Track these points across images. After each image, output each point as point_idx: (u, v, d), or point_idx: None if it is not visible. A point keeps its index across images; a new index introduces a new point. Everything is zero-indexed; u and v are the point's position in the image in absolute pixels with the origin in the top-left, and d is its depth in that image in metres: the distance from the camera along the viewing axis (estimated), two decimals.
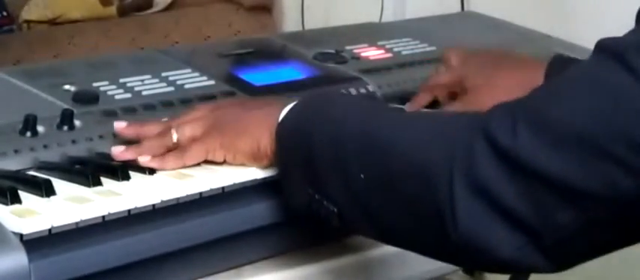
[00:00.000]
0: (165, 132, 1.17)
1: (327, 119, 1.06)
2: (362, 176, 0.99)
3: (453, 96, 1.39)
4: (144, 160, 1.14)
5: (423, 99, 1.40)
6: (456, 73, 1.40)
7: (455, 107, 1.36)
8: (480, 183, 0.90)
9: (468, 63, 1.41)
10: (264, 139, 1.11)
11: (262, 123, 1.12)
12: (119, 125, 1.20)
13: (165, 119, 1.23)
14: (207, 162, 1.15)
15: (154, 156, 1.14)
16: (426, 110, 1.07)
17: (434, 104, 1.40)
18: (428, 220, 0.94)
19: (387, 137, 1.00)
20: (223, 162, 1.15)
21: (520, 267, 0.94)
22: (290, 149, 1.08)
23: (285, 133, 1.09)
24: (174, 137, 1.16)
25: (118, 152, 1.16)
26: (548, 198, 0.88)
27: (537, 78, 1.30)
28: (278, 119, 1.10)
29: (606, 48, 0.89)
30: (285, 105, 1.10)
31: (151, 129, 1.19)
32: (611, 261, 1.00)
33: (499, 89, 1.33)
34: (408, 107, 1.37)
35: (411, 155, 0.96)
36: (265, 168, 1.13)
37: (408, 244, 1.02)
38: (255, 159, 1.13)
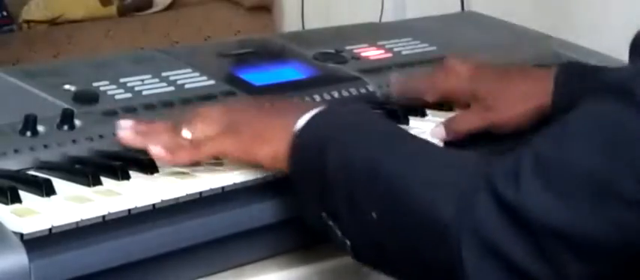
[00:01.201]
0: (176, 129, 1.14)
1: (340, 139, 1.04)
2: (374, 215, 0.97)
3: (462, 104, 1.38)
4: (155, 150, 1.11)
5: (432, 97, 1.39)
6: (466, 86, 1.37)
7: (473, 115, 1.34)
8: (487, 242, 0.88)
9: (478, 75, 1.38)
10: (282, 146, 1.08)
11: (282, 130, 1.08)
12: (125, 124, 1.16)
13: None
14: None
15: (165, 149, 1.11)
16: (435, 146, 1.05)
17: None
18: (438, 274, 0.93)
19: (396, 177, 0.97)
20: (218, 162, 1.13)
21: None
22: (305, 164, 1.06)
23: (301, 146, 1.06)
24: (186, 134, 1.14)
25: (126, 132, 1.13)
26: (557, 250, 0.86)
27: (548, 88, 1.29)
28: (296, 127, 1.07)
29: (609, 85, 0.86)
30: (303, 113, 1.08)
31: (161, 125, 1.16)
32: None
33: (516, 98, 1.32)
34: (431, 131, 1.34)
35: (419, 205, 0.94)
36: (283, 174, 1.11)
37: None
38: (274, 164, 1.10)
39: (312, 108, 1.09)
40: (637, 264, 0.85)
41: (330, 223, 1.02)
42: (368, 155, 1.01)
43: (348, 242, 1.01)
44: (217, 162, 1.15)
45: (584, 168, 0.84)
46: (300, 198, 1.07)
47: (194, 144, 1.13)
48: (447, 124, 1.32)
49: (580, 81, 1.28)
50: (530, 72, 1.37)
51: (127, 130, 1.15)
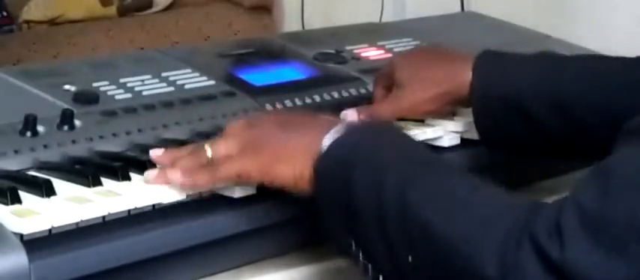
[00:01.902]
0: (199, 150, 1.10)
1: (371, 161, 0.98)
2: (410, 259, 0.92)
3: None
4: (174, 176, 1.06)
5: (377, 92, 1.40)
6: (388, 67, 1.39)
7: (386, 103, 1.34)
8: None
9: (400, 57, 1.40)
10: (306, 167, 1.03)
11: (303, 148, 1.03)
12: (155, 153, 1.13)
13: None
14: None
15: (184, 172, 1.07)
16: (473, 179, 0.97)
17: None
18: None
19: (431, 218, 0.92)
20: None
21: None
22: (330, 188, 1.00)
23: (325, 168, 1.01)
24: (209, 152, 1.09)
25: (151, 177, 1.09)
26: None
27: (465, 73, 1.29)
28: (320, 146, 1.02)
29: None
30: (327, 131, 1.02)
31: (185, 149, 1.13)
32: None
33: (424, 82, 1.33)
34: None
35: (459, 254, 0.89)
36: (308, 194, 1.04)
37: None
38: (296, 186, 1.04)
39: (335, 125, 1.04)
40: None
41: (361, 255, 0.97)
42: (397, 187, 0.95)
43: (378, 275, 0.97)
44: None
45: (634, 219, 0.80)
46: (327, 223, 1.02)
47: (214, 162, 1.08)
48: (361, 113, 1.32)
49: (500, 67, 1.29)
50: (446, 57, 1.36)
51: (150, 174, 1.09)
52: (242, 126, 1.11)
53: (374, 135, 1.04)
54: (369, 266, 0.97)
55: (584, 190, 0.86)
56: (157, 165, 1.12)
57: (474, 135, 1.33)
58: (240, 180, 1.08)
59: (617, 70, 1.25)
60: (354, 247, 0.98)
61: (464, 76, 1.30)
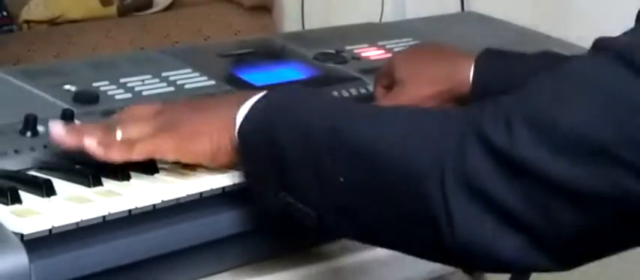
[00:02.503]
0: (109, 129, 1.10)
1: (293, 114, 1.01)
2: (341, 179, 0.95)
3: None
4: (90, 143, 1.07)
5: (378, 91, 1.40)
6: (387, 66, 1.40)
7: (386, 100, 1.34)
8: (475, 186, 0.87)
9: (399, 55, 1.41)
10: (224, 138, 1.05)
11: (220, 122, 1.06)
12: (56, 126, 1.11)
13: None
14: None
15: (99, 145, 1.08)
16: (404, 106, 1.03)
17: None
18: (421, 226, 0.91)
19: (363, 135, 0.95)
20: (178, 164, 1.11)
21: (522, 267, 0.92)
22: (256, 149, 1.03)
23: (249, 132, 1.03)
24: (119, 135, 1.10)
25: (58, 132, 1.09)
26: (551, 200, 0.86)
27: (466, 72, 1.30)
28: (237, 116, 1.04)
29: (610, 48, 0.86)
30: (244, 101, 1.05)
31: (95, 124, 1.14)
32: (610, 260, 0.99)
33: (425, 80, 1.33)
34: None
35: (396, 157, 0.92)
36: (226, 168, 1.09)
37: (400, 248, 0.99)
38: (214, 159, 1.07)
39: (251, 96, 1.06)
40: (630, 217, 0.86)
41: (291, 200, 0.99)
42: (327, 122, 0.98)
43: (314, 214, 0.99)
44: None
45: (582, 130, 0.84)
46: (254, 185, 1.05)
47: (126, 143, 1.09)
48: None
49: (502, 66, 1.29)
50: (447, 55, 1.37)
51: (59, 129, 1.10)
52: (152, 109, 1.12)
53: (291, 93, 1.07)
54: (303, 207, 0.99)
55: (535, 90, 0.89)
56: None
57: None
58: (155, 157, 1.09)
59: None
60: (283, 196, 1.00)
61: (465, 74, 1.30)
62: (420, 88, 1.33)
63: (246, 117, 1.04)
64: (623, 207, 0.85)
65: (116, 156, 1.08)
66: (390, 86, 1.37)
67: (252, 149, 1.04)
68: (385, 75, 1.39)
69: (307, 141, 0.98)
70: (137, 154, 1.08)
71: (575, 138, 0.85)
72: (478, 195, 0.87)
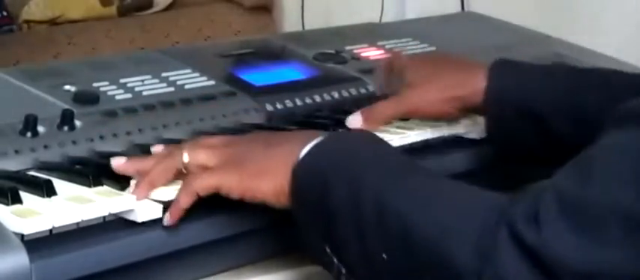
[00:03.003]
0: (175, 153, 1.09)
1: (346, 172, 0.98)
2: (384, 256, 0.93)
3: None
4: (156, 195, 1.06)
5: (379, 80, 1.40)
6: (399, 62, 1.39)
7: (391, 101, 1.33)
8: None
9: (414, 59, 1.40)
10: (287, 181, 1.02)
11: (284, 164, 1.02)
12: (117, 162, 1.10)
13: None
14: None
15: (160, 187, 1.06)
16: (447, 180, 0.98)
17: None
18: None
19: (408, 217, 0.92)
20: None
21: None
22: (308, 197, 1.01)
23: (303, 179, 1.01)
24: (186, 157, 1.08)
25: (119, 164, 1.09)
26: None
27: (479, 81, 1.29)
28: (298, 158, 1.02)
29: (632, 114, 0.83)
30: (306, 142, 1.02)
31: (153, 156, 1.12)
32: None
33: (436, 85, 1.32)
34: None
35: (434, 250, 0.89)
36: (288, 208, 1.04)
37: None
38: (278, 200, 1.04)
39: (314, 137, 1.04)
40: None
41: (335, 261, 0.98)
42: (375, 189, 0.95)
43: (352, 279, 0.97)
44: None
45: (614, 203, 0.80)
46: (303, 231, 1.02)
47: (189, 170, 1.07)
48: (364, 112, 1.31)
49: (515, 77, 1.28)
50: (460, 64, 1.37)
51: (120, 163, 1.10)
52: (221, 141, 1.10)
53: (350, 141, 1.05)
54: (343, 270, 0.97)
55: (565, 176, 0.86)
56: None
57: (474, 135, 1.33)
58: (220, 192, 1.06)
59: (636, 83, 1.25)
60: (329, 252, 0.98)
61: (478, 83, 1.29)
62: (430, 92, 1.32)
63: (303, 160, 1.01)
64: None
65: (185, 201, 1.05)
66: (390, 80, 1.37)
67: (304, 194, 1.01)
68: (390, 70, 1.39)
69: (355, 206, 0.96)
70: (202, 189, 1.05)
71: (608, 214, 0.81)
72: None
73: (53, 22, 3.38)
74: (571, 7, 2.18)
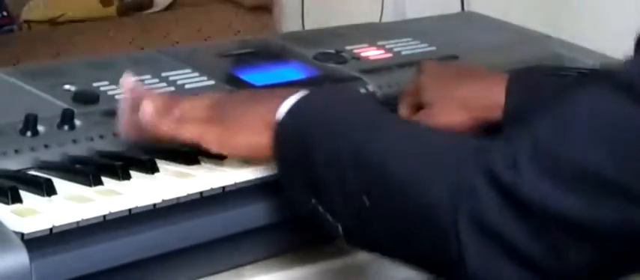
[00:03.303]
0: (170, 102, 1.16)
1: (327, 126, 1.03)
2: (365, 199, 0.97)
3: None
4: (148, 108, 1.13)
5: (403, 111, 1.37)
6: (414, 85, 1.36)
7: (408, 115, 1.32)
8: (486, 225, 0.88)
9: (428, 74, 1.36)
10: (265, 136, 1.08)
11: (262, 117, 1.09)
12: (127, 79, 1.19)
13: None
14: (208, 160, 1.15)
15: (156, 112, 1.13)
16: (424, 127, 1.04)
17: None
18: (436, 262, 0.93)
19: (385, 161, 0.96)
20: (218, 157, 1.14)
21: None
22: (290, 152, 1.06)
23: (285, 134, 1.06)
24: (176, 111, 1.15)
25: (125, 83, 1.17)
26: (558, 236, 0.86)
27: (498, 93, 1.27)
28: (277, 114, 1.07)
29: (614, 79, 0.86)
30: (283, 100, 1.07)
31: (157, 95, 1.19)
32: None
33: (456, 103, 1.30)
34: None
35: (412, 190, 0.94)
36: (264, 163, 1.12)
37: (416, 269, 1.00)
38: (255, 153, 1.11)
39: (295, 93, 1.08)
40: (638, 250, 0.86)
41: (321, 209, 1.02)
42: (355, 138, 1.00)
43: (340, 226, 1.01)
44: (218, 161, 1.15)
45: (586, 162, 0.85)
46: (288, 185, 1.07)
47: (179, 120, 1.13)
48: None
49: (534, 90, 1.26)
50: (480, 79, 1.34)
51: (128, 82, 1.18)
52: (210, 99, 1.16)
53: (329, 96, 1.10)
54: (330, 218, 1.01)
55: (541, 124, 0.89)
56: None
57: None
58: (200, 143, 1.12)
59: None
60: (314, 203, 1.02)
61: (498, 97, 1.27)
62: (451, 114, 1.29)
63: (284, 118, 1.06)
64: (630, 239, 0.85)
65: (165, 129, 1.13)
66: (415, 107, 1.34)
67: (286, 150, 1.06)
68: (410, 95, 1.36)
69: (336, 155, 1.00)
70: (184, 134, 1.12)
71: (578, 170, 0.85)
72: (490, 235, 0.88)
73: (53, 22, 3.38)
74: (571, 7, 2.18)
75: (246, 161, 1.13)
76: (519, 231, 0.87)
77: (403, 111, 1.36)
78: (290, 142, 1.06)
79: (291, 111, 1.07)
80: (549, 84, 1.28)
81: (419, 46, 1.66)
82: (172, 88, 1.36)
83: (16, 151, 1.16)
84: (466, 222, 0.89)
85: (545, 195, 0.86)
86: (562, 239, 0.86)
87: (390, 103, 1.41)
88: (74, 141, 1.20)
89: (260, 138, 1.09)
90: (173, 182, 1.10)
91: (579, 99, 0.89)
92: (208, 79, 1.40)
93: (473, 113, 1.29)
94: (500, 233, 0.88)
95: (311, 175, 1.03)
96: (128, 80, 1.19)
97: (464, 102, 1.30)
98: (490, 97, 1.28)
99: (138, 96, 1.16)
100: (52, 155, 1.18)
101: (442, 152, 0.96)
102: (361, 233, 1.01)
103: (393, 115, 1.08)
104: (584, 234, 0.85)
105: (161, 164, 1.15)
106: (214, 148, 1.12)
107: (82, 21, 3.39)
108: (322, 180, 1.01)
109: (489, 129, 1.28)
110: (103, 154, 1.19)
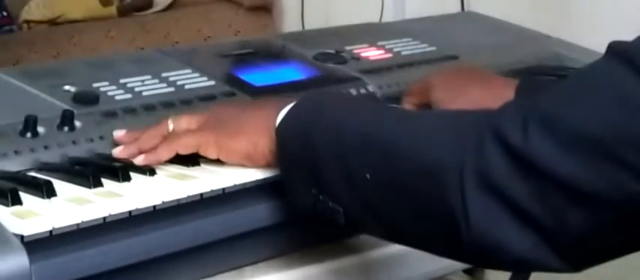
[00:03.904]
0: (161, 124, 1.19)
1: (327, 118, 1.06)
2: (367, 176, 0.99)
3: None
4: (139, 160, 1.15)
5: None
6: (423, 84, 1.39)
7: None
8: (491, 183, 0.90)
9: (438, 77, 1.39)
10: (262, 140, 1.11)
11: (260, 124, 1.12)
12: (118, 133, 1.21)
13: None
14: (207, 162, 1.15)
15: (147, 153, 1.15)
16: (426, 109, 1.06)
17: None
18: (439, 220, 0.94)
19: (390, 135, 1.00)
20: (218, 160, 1.15)
21: (534, 266, 0.94)
22: (292, 150, 1.08)
23: (286, 134, 1.09)
24: (170, 126, 1.18)
25: (118, 151, 1.18)
26: (558, 198, 0.88)
27: (508, 97, 1.26)
28: (276, 120, 1.09)
29: (618, 52, 0.88)
30: (283, 106, 1.10)
31: (147, 128, 1.21)
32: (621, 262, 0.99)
33: (465, 103, 1.31)
34: None
35: (418, 154, 0.96)
36: (261, 168, 1.13)
37: (418, 243, 1.02)
38: (250, 159, 1.13)
39: (290, 102, 1.10)
40: (635, 219, 0.87)
41: (321, 197, 1.04)
42: (357, 122, 1.03)
43: (341, 210, 1.03)
44: (218, 163, 1.15)
45: (588, 129, 0.87)
46: (288, 183, 1.09)
47: (174, 136, 1.16)
48: None
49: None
50: (490, 82, 1.37)
51: (117, 149, 1.19)
52: (207, 111, 1.21)
53: (326, 98, 1.12)
54: (331, 204, 1.03)
55: (550, 94, 0.92)
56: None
57: None
58: (199, 151, 1.15)
59: None
60: (314, 193, 1.04)
61: (505, 99, 1.28)
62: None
63: (284, 120, 1.09)
64: (626, 209, 0.86)
65: (163, 153, 1.15)
66: (419, 105, 1.36)
67: (289, 151, 1.08)
68: (417, 93, 1.39)
69: (338, 142, 1.03)
70: (182, 147, 1.15)
71: (581, 136, 0.87)
72: (494, 192, 0.90)
73: (53, 22, 3.38)
74: (571, 7, 2.18)
75: (244, 165, 1.14)
76: (522, 191, 0.89)
77: (407, 107, 1.37)
78: (290, 140, 1.08)
79: (289, 114, 1.09)
80: None
81: (419, 46, 1.66)
82: (172, 88, 1.36)
83: (16, 152, 1.16)
84: (472, 179, 0.91)
85: (548, 157, 0.88)
86: (563, 202, 0.88)
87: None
88: (74, 143, 1.20)
89: (258, 142, 1.11)
90: (173, 183, 1.10)
91: (590, 71, 0.92)
92: (208, 79, 1.40)
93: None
94: (504, 192, 0.90)
95: (311, 165, 1.04)
96: (119, 134, 1.21)
97: (474, 101, 1.31)
98: (500, 101, 1.29)
99: (130, 151, 1.18)
100: (52, 156, 1.18)
101: (449, 118, 1.00)
102: (363, 213, 1.02)
103: (394, 106, 1.12)
104: (581, 198, 0.87)
105: (161, 165, 1.15)
106: (212, 153, 1.14)
107: (82, 21, 3.38)
108: (323, 166, 1.03)
109: None
110: (103, 156, 1.19)
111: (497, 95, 1.30)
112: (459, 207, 0.91)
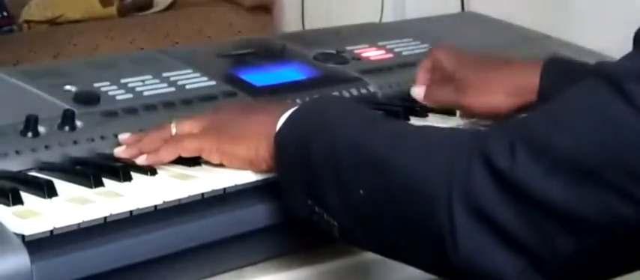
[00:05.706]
0: (164, 127, 1.19)
1: (324, 132, 1.05)
2: (361, 192, 0.99)
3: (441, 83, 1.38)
4: (140, 160, 1.15)
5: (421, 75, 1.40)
6: (437, 60, 1.39)
7: (451, 94, 1.34)
8: (479, 207, 0.90)
9: (462, 61, 1.38)
10: (262, 146, 1.11)
11: (261, 130, 1.12)
12: (123, 136, 1.21)
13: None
14: (207, 163, 1.15)
15: (149, 153, 1.15)
16: (421, 124, 1.06)
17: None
18: (428, 241, 0.94)
19: (383, 152, 0.99)
20: (220, 164, 1.15)
21: None
22: (289, 160, 1.08)
23: (283, 142, 1.09)
24: (173, 129, 1.18)
25: (119, 151, 1.18)
26: (547, 223, 0.88)
27: (533, 76, 1.29)
28: (276, 126, 1.09)
29: (606, 74, 0.88)
30: (284, 111, 1.10)
31: (150, 131, 1.21)
32: None
33: (492, 83, 1.32)
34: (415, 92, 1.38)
35: (409, 174, 0.96)
36: (262, 173, 1.13)
37: (409, 261, 1.01)
38: (252, 164, 1.13)
39: (290, 107, 1.11)
40: (624, 241, 0.87)
41: (317, 209, 1.04)
42: (352, 136, 1.03)
43: (336, 224, 1.02)
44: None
45: (574, 152, 0.86)
46: (286, 191, 1.09)
47: (177, 138, 1.16)
48: (428, 89, 1.36)
49: (567, 76, 1.27)
50: (515, 65, 1.36)
51: (118, 148, 1.19)
52: (209, 113, 1.21)
53: (324, 105, 1.12)
54: (326, 217, 1.03)
55: (538, 117, 0.92)
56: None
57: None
58: (201, 156, 1.15)
59: None
60: (310, 203, 1.04)
61: (532, 82, 1.29)
62: (489, 95, 1.32)
63: (282, 128, 1.09)
64: (615, 233, 0.86)
65: (165, 155, 1.15)
66: (440, 80, 1.37)
67: (286, 159, 1.08)
68: (429, 66, 1.39)
69: (333, 154, 1.02)
70: (185, 149, 1.15)
71: (568, 160, 0.87)
72: (481, 216, 0.90)
73: (53, 22, 3.38)
74: (571, 7, 2.18)
75: (246, 170, 1.14)
76: (510, 215, 0.89)
77: (422, 76, 1.39)
78: (288, 149, 1.08)
79: (288, 120, 1.09)
80: (581, 70, 1.28)
81: (419, 46, 1.66)
82: (173, 88, 1.36)
83: (17, 152, 1.16)
84: (460, 202, 0.90)
85: (535, 181, 0.87)
86: (550, 227, 0.88)
87: (390, 103, 1.42)
88: (75, 142, 1.20)
89: (259, 148, 1.11)
90: (174, 183, 1.10)
91: (576, 93, 0.91)
92: (208, 79, 1.40)
93: (509, 95, 1.31)
94: (491, 216, 0.89)
95: (307, 176, 1.04)
96: (124, 137, 1.22)
97: (501, 84, 1.32)
98: (526, 80, 1.30)
99: (131, 151, 1.18)
100: (53, 156, 1.18)
101: (440, 139, 0.99)
102: (356, 228, 1.02)
103: (388, 117, 1.11)
104: (569, 222, 0.87)
105: (162, 165, 1.15)
106: (215, 158, 1.14)
107: (82, 21, 3.38)
108: (318, 178, 1.03)
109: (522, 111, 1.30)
110: (104, 155, 1.19)
111: (522, 75, 1.31)
112: (447, 230, 0.91)
